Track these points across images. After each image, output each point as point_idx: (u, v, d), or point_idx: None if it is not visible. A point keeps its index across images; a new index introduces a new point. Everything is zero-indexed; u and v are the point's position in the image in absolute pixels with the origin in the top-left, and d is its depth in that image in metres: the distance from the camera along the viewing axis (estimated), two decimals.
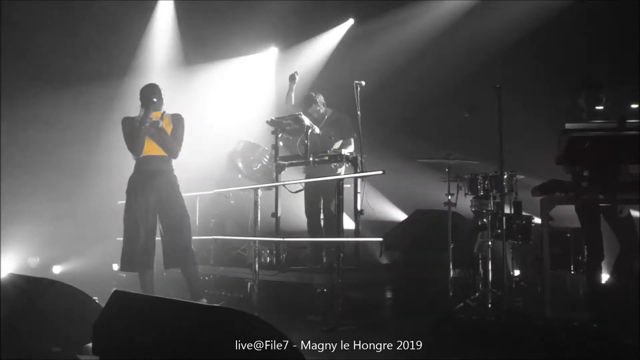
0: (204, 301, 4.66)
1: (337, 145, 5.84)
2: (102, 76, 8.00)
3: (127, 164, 7.85)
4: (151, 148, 4.76)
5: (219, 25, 8.38)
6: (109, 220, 7.59)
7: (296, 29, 8.73)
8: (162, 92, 4.85)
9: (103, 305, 2.82)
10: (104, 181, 7.88)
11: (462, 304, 4.91)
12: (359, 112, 5.70)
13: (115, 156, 7.98)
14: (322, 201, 6.08)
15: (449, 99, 7.01)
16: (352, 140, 6.02)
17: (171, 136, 4.79)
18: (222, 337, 2.12)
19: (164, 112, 4.74)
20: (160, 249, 4.88)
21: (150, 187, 4.74)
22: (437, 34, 7.51)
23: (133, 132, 4.71)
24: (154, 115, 4.72)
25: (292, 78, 6.36)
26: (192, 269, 4.80)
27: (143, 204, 4.73)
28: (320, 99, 6.22)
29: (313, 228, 6.13)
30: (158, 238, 4.90)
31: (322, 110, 6.19)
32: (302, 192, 5.92)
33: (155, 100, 4.71)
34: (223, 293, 5.93)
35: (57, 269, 7.76)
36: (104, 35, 8.13)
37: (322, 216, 6.10)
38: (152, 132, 4.74)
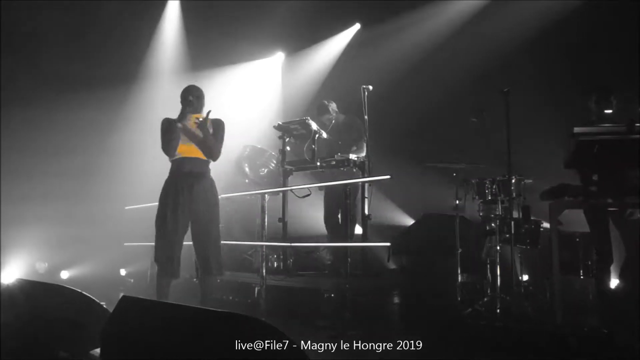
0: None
1: (353, 152, 5.85)
2: (109, 81, 8.03)
3: (135, 169, 7.97)
4: (188, 150, 4.54)
5: (226, 31, 8.40)
6: (117, 225, 7.64)
7: (302, 34, 8.75)
8: (203, 94, 4.68)
9: (111, 310, 2.82)
10: (113, 186, 7.93)
11: (470, 309, 4.89)
12: (366, 117, 5.71)
13: (124, 161, 8.08)
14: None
15: (456, 103, 6.99)
16: (364, 144, 6.03)
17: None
18: (230, 343, 2.11)
19: (209, 111, 4.51)
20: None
21: (186, 191, 4.47)
22: (443, 37, 7.50)
23: (168, 130, 4.52)
24: (194, 117, 4.56)
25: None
26: (209, 280, 4.60)
27: (177, 208, 4.46)
28: (333, 106, 6.24)
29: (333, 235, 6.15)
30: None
31: (334, 117, 6.21)
32: (310, 197, 5.92)
33: (191, 99, 4.52)
34: (230, 298, 5.93)
35: (65, 274, 7.78)
36: (111, 40, 8.16)
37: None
38: (192, 132, 4.54)
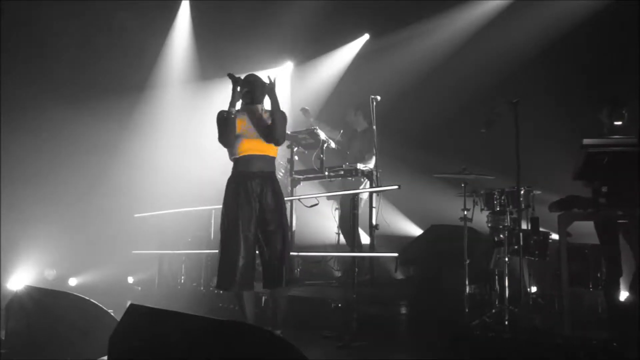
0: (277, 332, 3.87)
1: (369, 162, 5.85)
2: (119, 89, 8.11)
3: (145, 177, 8.02)
4: (252, 147, 4.08)
5: (235, 40, 8.46)
6: (126, 232, 7.68)
7: (311, 44, 8.79)
8: (260, 84, 4.21)
9: (118, 318, 2.83)
10: (122, 194, 7.97)
11: (478, 321, 4.86)
12: (374, 127, 5.74)
13: (133, 169, 8.13)
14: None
15: (465, 114, 6.98)
16: (373, 156, 6.06)
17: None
18: (237, 353, 2.11)
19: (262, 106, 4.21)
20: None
21: (251, 192, 4.00)
22: (452, 48, 7.52)
23: (222, 122, 4.11)
24: (257, 108, 4.23)
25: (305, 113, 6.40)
26: (280, 292, 4.06)
27: (243, 212, 3.99)
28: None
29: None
30: None
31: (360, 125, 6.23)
32: (318, 206, 5.93)
33: (246, 89, 4.14)
34: (237, 307, 5.90)
35: (73, 282, 7.82)
36: (121, 48, 8.24)
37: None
38: (256, 122, 4.16)
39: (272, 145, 4.09)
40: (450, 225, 5.92)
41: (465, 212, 5.40)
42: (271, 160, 4.12)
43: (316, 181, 6.21)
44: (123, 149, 8.16)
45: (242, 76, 4.18)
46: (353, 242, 5.46)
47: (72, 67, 8.03)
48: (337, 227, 6.38)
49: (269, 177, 4.06)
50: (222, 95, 8.52)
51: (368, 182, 6.01)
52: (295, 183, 6.02)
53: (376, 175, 5.78)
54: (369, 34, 8.69)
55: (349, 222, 6.07)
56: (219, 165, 7.56)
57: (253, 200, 3.98)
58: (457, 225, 5.51)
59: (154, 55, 8.76)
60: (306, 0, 8.11)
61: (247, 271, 3.95)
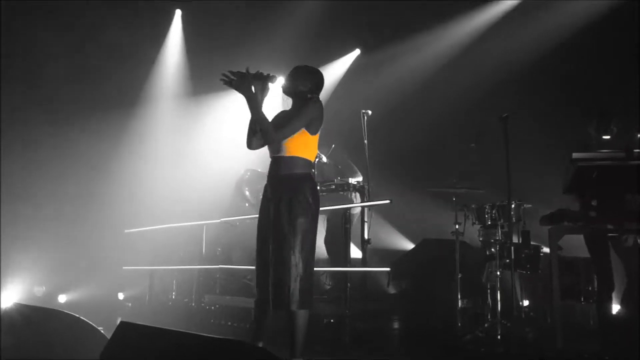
0: None
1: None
2: (111, 106, 8.09)
3: (135, 192, 7.99)
4: (278, 148, 3.68)
5: (226, 55, 8.47)
6: (116, 248, 7.63)
7: (301, 59, 8.75)
8: (302, 74, 3.85)
9: (108, 336, 2.81)
10: (112, 209, 7.93)
11: (470, 335, 4.86)
12: (365, 141, 5.74)
13: (123, 184, 8.10)
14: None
15: (456, 128, 7.04)
16: (356, 170, 6.05)
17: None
18: None
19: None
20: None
21: (272, 200, 3.62)
22: (443, 62, 7.56)
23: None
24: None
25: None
26: (294, 318, 3.46)
27: (264, 221, 3.66)
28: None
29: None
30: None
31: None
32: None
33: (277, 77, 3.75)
34: (229, 323, 5.89)
35: (62, 298, 7.74)
36: (113, 65, 8.23)
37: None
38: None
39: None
40: (442, 239, 5.95)
41: (457, 226, 5.43)
42: (297, 160, 3.64)
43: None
44: (114, 165, 8.12)
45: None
46: (343, 256, 5.44)
47: (62, 82, 8.00)
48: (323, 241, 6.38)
49: (289, 180, 3.61)
50: (213, 110, 8.67)
51: (359, 196, 6.02)
52: None
53: (367, 190, 5.77)
54: (360, 49, 8.73)
55: (336, 236, 6.08)
56: (210, 180, 7.64)
57: (270, 208, 3.62)
58: (449, 239, 5.54)
59: (146, 70, 8.75)
60: (297, 15, 8.15)
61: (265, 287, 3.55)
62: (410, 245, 7.37)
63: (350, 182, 5.79)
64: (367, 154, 5.73)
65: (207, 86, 8.70)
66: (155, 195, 7.96)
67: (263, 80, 3.70)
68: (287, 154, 3.61)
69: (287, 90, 3.83)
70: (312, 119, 3.62)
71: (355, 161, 6.42)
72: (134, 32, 8.18)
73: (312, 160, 3.69)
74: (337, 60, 8.90)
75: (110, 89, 8.26)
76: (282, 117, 3.79)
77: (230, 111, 8.46)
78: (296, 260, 3.43)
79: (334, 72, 8.86)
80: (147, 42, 8.57)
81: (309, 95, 3.74)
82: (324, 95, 8.79)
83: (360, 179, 6.10)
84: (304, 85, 3.77)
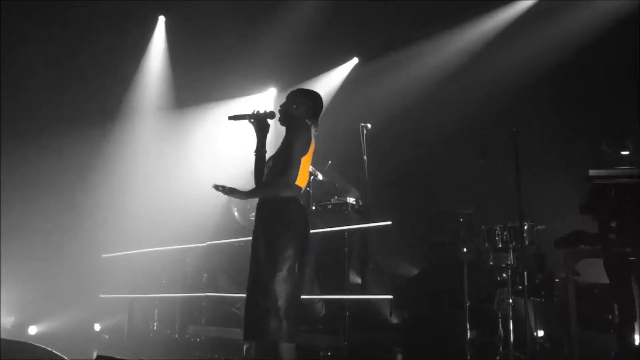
0: None
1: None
2: (87, 120, 8.10)
3: (114, 214, 7.96)
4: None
5: (214, 66, 8.51)
6: (92, 275, 7.59)
7: (296, 69, 8.84)
8: (292, 98, 3.95)
9: None
10: (88, 232, 7.89)
11: None
12: (365, 157, 5.77)
13: (100, 205, 8.07)
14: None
15: (462, 143, 7.04)
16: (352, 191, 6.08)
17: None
18: None
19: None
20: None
21: (257, 224, 3.83)
22: (448, 73, 7.56)
23: None
24: None
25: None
26: (278, 352, 3.50)
27: (253, 244, 3.82)
28: None
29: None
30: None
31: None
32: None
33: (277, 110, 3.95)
34: (216, 357, 5.85)
35: (33, 330, 7.66)
36: (91, 75, 8.26)
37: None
38: None
39: None
40: (448, 263, 5.93)
41: (465, 250, 5.43)
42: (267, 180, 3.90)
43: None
44: (90, 184, 8.10)
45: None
46: (340, 282, 5.43)
47: (36, 94, 8.02)
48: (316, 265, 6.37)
49: (265, 203, 3.83)
50: (198, 124, 8.67)
51: (357, 217, 6.02)
52: None
53: (367, 210, 5.77)
54: (359, 57, 8.77)
55: (330, 260, 6.06)
56: (195, 200, 7.62)
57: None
58: (456, 263, 5.52)
59: (126, 81, 8.77)
60: (291, 21, 8.20)
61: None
62: (414, 271, 7.35)
63: (348, 201, 5.79)
64: (366, 171, 5.75)
65: (193, 98, 8.73)
66: (135, 217, 7.93)
67: (261, 119, 3.94)
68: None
69: (281, 121, 3.94)
70: (302, 143, 3.77)
71: (353, 179, 6.43)
72: (114, 40, 8.22)
73: (300, 183, 3.78)
74: (333, 70, 8.92)
75: (87, 102, 8.28)
76: (277, 159, 3.88)
77: (219, 125, 8.49)
78: (276, 287, 3.50)
79: (330, 82, 8.88)
80: (127, 50, 8.59)
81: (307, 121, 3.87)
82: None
83: (356, 194, 6.12)
84: (298, 111, 3.89)
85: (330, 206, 5.87)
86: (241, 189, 3.80)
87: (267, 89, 9.33)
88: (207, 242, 6.37)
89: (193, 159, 8.41)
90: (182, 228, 7.20)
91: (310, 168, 5.74)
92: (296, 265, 3.60)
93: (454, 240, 5.83)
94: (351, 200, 5.85)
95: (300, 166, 3.75)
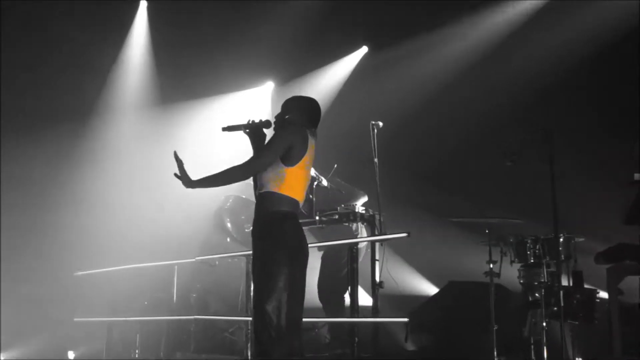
0: None
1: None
2: (59, 119, 8.09)
3: (88, 225, 7.92)
4: (256, 183, 4.15)
5: (203, 56, 8.50)
6: (65, 295, 7.56)
7: (297, 59, 8.85)
8: (286, 105, 4.17)
9: None
10: (60, 246, 7.88)
11: None
12: (375, 160, 5.73)
13: (74, 215, 8.04)
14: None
15: (487, 144, 7.00)
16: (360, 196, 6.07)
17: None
18: None
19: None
20: None
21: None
22: (469, 65, 7.55)
23: None
24: None
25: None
26: None
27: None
28: None
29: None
30: None
31: None
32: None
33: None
34: None
35: (1, 356, 7.66)
36: (62, 68, 8.25)
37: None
38: None
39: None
40: (472, 281, 5.91)
41: (491, 266, 5.37)
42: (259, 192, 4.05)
43: (305, 228, 6.12)
44: (62, 191, 8.08)
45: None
46: (350, 304, 5.39)
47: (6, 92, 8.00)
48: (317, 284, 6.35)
49: (258, 216, 4.01)
50: (186, 122, 8.64)
51: (364, 229, 5.98)
52: None
53: (379, 220, 5.72)
54: (368, 46, 8.74)
55: (332, 279, 6.09)
56: (183, 210, 7.58)
57: None
58: (481, 281, 5.48)
59: (103, 74, 8.76)
60: (291, 4, 8.18)
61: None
62: (432, 290, 7.34)
63: (357, 210, 5.73)
64: (377, 175, 5.70)
65: (180, 93, 8.71)
66: (113, 228, 7.92)
67: (257, 128, 4.15)
68: (263, 190, 3.96)
69: (276, 130, 4.10)
70: (287, 147, 3.88)
71: (363, 184, 6.40)
72: (87, 27, 8.20)
73: (294, 195, 3.92)
74: (340, 61, 8.94)
75: (58, 97, 8.26)
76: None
77: (207, 123, 8.46)
78: (269, 306, 3.70)
79: (336, 74, 8.89)
80: (104, 39, 8.57)
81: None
82: (324, 101, 8.89)
83: (365, 199, 6.10)
84: (292, 118, 4.07)
85: (336, 216, 5.80)
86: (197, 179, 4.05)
87: (264, 82, 9.32)
88: (197, 258, 6.32)
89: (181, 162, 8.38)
90: (168, 242, 7.18)
91: (313, 172, 5.77)
92: (292, 285, 3.76)
93: (478, 255, 5.77)
94: (360, 208, 5.78)
95: (293, 175, 3.90)
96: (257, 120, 4.15)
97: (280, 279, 3.72)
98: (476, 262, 5.77)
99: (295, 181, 3.90)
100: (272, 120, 4.15)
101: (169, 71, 8.73)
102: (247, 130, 4.18)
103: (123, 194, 8.30)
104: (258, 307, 3.75)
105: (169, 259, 6.64)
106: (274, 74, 9.23)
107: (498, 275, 5.38)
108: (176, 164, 4.07)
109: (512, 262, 5.41)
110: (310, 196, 5.75)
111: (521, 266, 5.36)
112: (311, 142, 3.94)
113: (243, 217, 6.56)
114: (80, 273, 7.35)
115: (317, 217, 5.79)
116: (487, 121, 7.13)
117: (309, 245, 5.54)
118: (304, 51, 8.64)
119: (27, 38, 8.10)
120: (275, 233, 3.85)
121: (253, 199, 6.48)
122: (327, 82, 8.99)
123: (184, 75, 8.62)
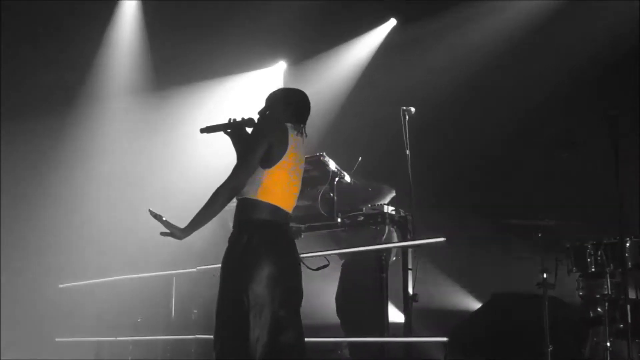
0: None
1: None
2: (39, 107, 8.16)
3: (72, 229, 7.94)
4: None
5: (205, 34, 8.50)
6: (47, 310, 7.62)
7: (312, 36, 8.84)
8: (269, 100, 4.26)
9: None
10: (40, 255, 7.95)
11: None
12: (407, 152, 5.71)
13: (56, 220, 8.08)
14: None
15: (537, 132, 6.96)
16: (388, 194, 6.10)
17: None
18: None
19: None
20: None
21: None
22: (517, 39, 7.49)
23: None
24: None
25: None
26: None
27: None
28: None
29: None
30: None
31: None
32: (327, 269, 5.90)
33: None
34: None
35: None
36: (49, 55, 8.32)
37: None
38: None
39: None
40: (520, 294, 5.90)
41: (545, 275, 5.34)
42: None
43: (324, 232, 6.14)
44: (42, 192, 8.13)
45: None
46: (378, 320, 5.39)
47: None
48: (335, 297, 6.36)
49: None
50: (184, 109, 8.64)
51: (394, 233, 5.98)
52: (294, 235, 5.94)
53: (411, 223, 5.71)
54: (397, 18, 8.72)
55: (354, 291, 6.07)
56: (180, 211, 7.55)
57: None
58: (532, 294, 5.45)
59: (88, 56, 8.80)
60: None
61: None
62: (475, 304, 7.30)
63: (385, 211, 5.72)
64: (409, 169, 5.69)
65: (175, 76, 8.72)
66: (102, 234, 7.96)
67: (240, 128, 4.20)
68: (239, 197, 4.04)
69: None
70: (266, 147, 3.90)
71: (392, 180, 6.38)
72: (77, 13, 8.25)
73: (275, 201, 3.94)
74: (363, 36, 8.93)
75: (39, 82, 8.33)
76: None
77: (209, 110, 8.48)
78: (255, 332, 3.71)
79: (358, 52, 8.89)
80: (89, 16, 8.60)
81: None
82: (344, 83, 8.85)
83: (392, 195, 6.11)
84: (275, 113, 4.13)
85: (361, 217, 5.80)
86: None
87: (275, 62, 9.33)
88: (198, 268, 6.32)
89: (177, 156, 8.41)
90: (165, 249, 7.17)
91: (334, 166, 5.76)
92: (275, 301, 3.76)
93: (529, 263, 5.74)
94: (390, 209, 5.76)
95: (272, 178, 3.91)
96: (239, 119, 4.20)
97: (261, 296, 3.76)
98: (526, 271, 5.76)
99: (274, 185, 3.92)
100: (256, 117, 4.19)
101: (164, 50, 8.76)
102: (229, 131, 4.23)
103: (112, 194, 8.34)
104: (238, 332, 3.79)
105: (165, 268, 6.65)
106: (286, 52, 9.27)
107: (553, 286, 5.36)
108: (159, 222, 4.03)
109: (569, 271, 5.40)
110: (331, 194, 5.75)
111: (580, 276, 5.36)
112: (294, 140, 3.96)
113: None
114: (63, 285, 7.38)
115: (338, 219, 5.79)
116: (538, 104, 7.07)
117: (331, 252, 5.60)
118: (320, 25, 8.63)
119: None
120: (252, 245, 3.89)
121: None
122: (348, 61, 8.98)
123: (181, 56, 8.63)
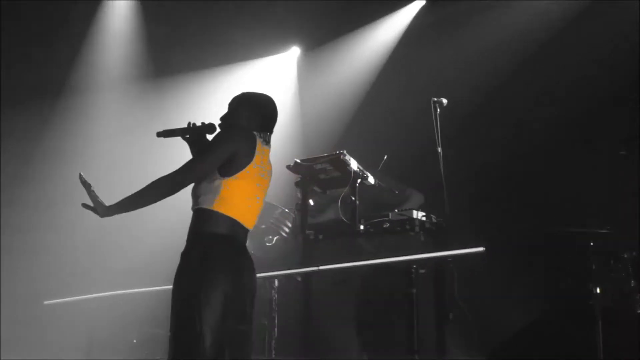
0: None
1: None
2: (22, 99, 8.17)
3: (59, 239, 7.94)
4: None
5: (209, 17, 8.54)
6: (30, 330, 7.63)
7: (329, 19, 8.86)
8: (234, 103, 4.43)
9: None
10: (23, 269, 7.97)
11: None
12: (439, 149, 5.70)
13: (40, 226, 8.08)
14: None
15: (589, 126, 6.89)
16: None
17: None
18: None
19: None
20: None
21: None
22: (564, 21, 7.43)
23: None
24: None
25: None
26: None
27: None
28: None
29: None
30: None
31: None
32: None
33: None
34: None
35: None
36: (33, 42, 8.40)
37: None
38: None
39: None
40: (572, 310, 5.90)
41: (597, 290, 5.29)
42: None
43: (344, 240, 6.11)
44: (25, 193, 8.13)
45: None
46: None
47: None
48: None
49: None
50: (185, 100, 8.64)
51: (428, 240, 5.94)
52: (310, 244, 5.91)
53: (445, 230, 5.69)
54: None
55: (375, 309, 6.17)
56: (180, 215, 7.54)
57: None
58: (586, 309, 5.39)
59: (77, 42, 8.85)
60: None
61: None
62: (516, 322, 7.21)
63: (415, 217, 5.68)
64: (442, 168, 5.66)
65: (174, 64, 8.74)
66: (92, 245, 7.96)
67: (199, 134, 4.42)
68: (195, 207, 4.14)
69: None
70: (230, 155, 4.03)
71: (422, 182, 6.35)
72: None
73: (232, 214, 4.04)
74: (386, 17, 8.90)
75: (22, 72, 8.37)
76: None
77: (213, 101, 8.47)
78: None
79: (381, 36, 8.89)
80: (82, 8, 8.70)
81: None
82: (366, 70, 8.82)
83: (421, 201, 6.18)
84: (238, 120, 4.28)
85: (387, 224, 5.75)
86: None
87: (287, 47, 9.34)
88: None
89: (177, 149, 8.41)
90: (164, 259, 7.16)
91: (355, 166, 5.71)
92: (227, 321, 3.88)
93: (580, 276, 5.69)
94: (420, 214, 5.71)
95: (232, 188, 4.02)
96: (198, 124, 4.38)
97: (210, 319, 3.85)
98: (576, 284, 5.71)
99: (233, 196, 4.02)
100: (217, 122, 4.32)
101: (163, 34, 8.80)
102: (187, 136, 4.41)
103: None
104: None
105: (164, 282, 6.62)
106: (300, 36, 9.29)
107: (607, 301, 5.34)
108: (85, 190, 4.19)
109: (627, 285, 5.38)
110: (353, 198, 5.73)
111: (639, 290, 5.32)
112: (261, 150, 4.10)
113: (263, 227, 6.57)
114: (49, 302, 7.38)
115: (361, 227, 5.75)
116: (589, 94, 7.00)
117: (353, 264, 5.57)
118: (338, 6, 8.61)
119: None
120: (204, 260, 3.94)
121: (275, 201, 6.64)
122: (370, 47, 8.99)
123: (182, 41, 8.65)
